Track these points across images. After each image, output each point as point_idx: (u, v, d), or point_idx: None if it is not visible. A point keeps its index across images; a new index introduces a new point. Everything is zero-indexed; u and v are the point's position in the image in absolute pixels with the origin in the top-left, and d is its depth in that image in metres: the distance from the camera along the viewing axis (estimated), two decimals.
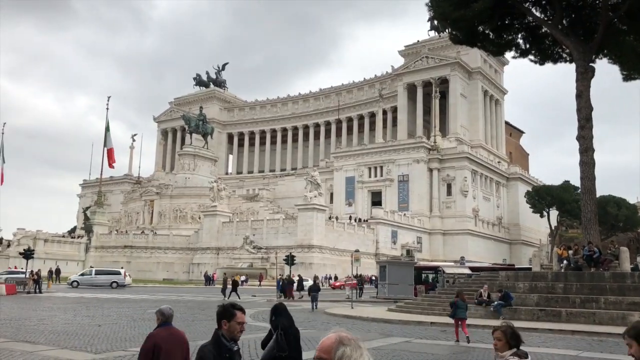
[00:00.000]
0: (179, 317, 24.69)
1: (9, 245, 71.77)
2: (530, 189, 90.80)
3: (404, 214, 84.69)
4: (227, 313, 5.08)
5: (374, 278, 56.10)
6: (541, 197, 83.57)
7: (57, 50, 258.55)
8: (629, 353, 3.70)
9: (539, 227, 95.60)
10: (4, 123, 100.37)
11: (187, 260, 76.62)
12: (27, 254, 42.01)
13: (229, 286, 38.67)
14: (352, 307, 29.87)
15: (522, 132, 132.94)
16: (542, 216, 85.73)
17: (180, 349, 5.91)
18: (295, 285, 40.69)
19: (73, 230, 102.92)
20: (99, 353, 13.87)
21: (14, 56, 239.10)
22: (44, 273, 56.36)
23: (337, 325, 22.68)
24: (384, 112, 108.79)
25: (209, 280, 61.47)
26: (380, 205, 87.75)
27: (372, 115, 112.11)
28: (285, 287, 40.12)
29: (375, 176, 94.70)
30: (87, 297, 37.32)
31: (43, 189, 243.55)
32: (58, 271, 61.33)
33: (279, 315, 7.46)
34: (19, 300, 32.25)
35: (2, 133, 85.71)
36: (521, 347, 4.64)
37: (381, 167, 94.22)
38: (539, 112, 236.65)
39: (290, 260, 40.84)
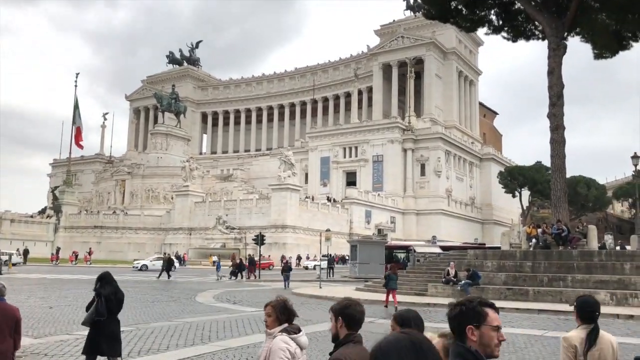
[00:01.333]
0: (140, 297, 24.01)
1: None
2: (502, 170, 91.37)
3: (378, 194, 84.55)
4: (474, 314, 2.79)
5: (347, 257, 55.91)
6: (513, 178, 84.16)
7: (25, 25, 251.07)
8: None
9: (511, 207, 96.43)
10: None
11: (159, 241, 75.52)
12: None
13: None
14: (321, 287, 29.45)
15: (496, 114, 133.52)
16: (514, 196, 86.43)
17: (8, 320, 6.50)
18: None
19: (43, 210, 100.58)
20: (40, 337, 13.10)
21: None
22: (14, 254, 55.02)
23: (302, 305, 22.18)
24: (360, 92, 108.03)
25: (180, 260, 60.55)
26: (355, 185, 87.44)
27: (348, 95, 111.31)
28: (243, 268, 40.17)
29: (350, 156, 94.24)
30: (49, 278, 36.27)
31: (13, 168, 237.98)
32: (26, 252, 59.89)
33: (104, 284, 8.26)
34: None
35: None
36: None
37: (356, 148, 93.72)
38: (513, 93, 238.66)
39: (260, 240, 40.22)
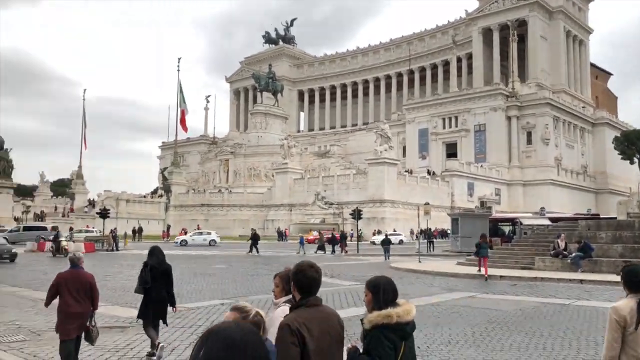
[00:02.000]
0: (241, 271, 24.69)
1: (94, 206, 75.57)
2: (618, 135, 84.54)
3: (481, 165, 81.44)
4: None
5: (447, 231, 54.50)
6: (631, 143, 77.64)
7: (133, 16, 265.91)
8: None
9: (629, 174, 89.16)
10: (85, 89, 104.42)
11: (262, 217, 77.81)
12: (103, 214, 43.73)
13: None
14: (420, 261, 28.79)
15: (609, 74, 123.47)
16: (632, 163, 79.88)
17: (83, 285, 7.67)
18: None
19: (155, 191, 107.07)
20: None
21: (84, 24, 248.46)
22: (129, 232, 59.19)
23: (400, 279, 21.73)
24: (458, 60, 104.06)
25: (281, 235, 62.16)
26: (456, 157, 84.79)
27: (446, 64, 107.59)
28: (336, 242, 40.14)
29: (450, 127, 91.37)
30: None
31: (127, 152, 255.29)
32: (140, 230, 64.07)
33: (151, 255, 9.32)
34: (95, 257, 33.54)
35: (84, 99, 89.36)
36: None
37: (456, 117, 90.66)
38: (629, 51, 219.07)
39: (357, 215, 40.07)
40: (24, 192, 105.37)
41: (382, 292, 3.88)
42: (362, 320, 3.91)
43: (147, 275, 9.10)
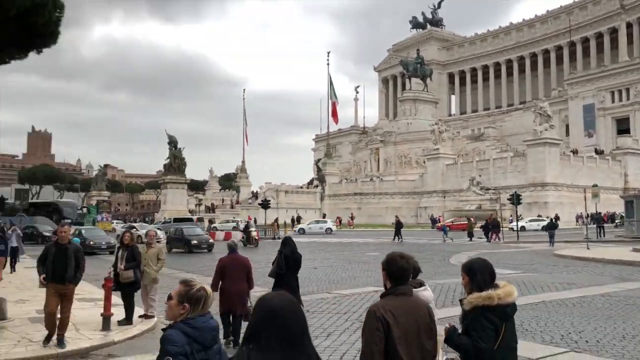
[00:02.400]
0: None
1: (257, 197, 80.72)
2: None
3: None
4: None
5: (618, 215, 49.62)
6: None
7: (277, 16, 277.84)
8: None
9: None
10: (244, 89, 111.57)
11: (414, 204, 77.20)
12: (264, 204, 46.49)
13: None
14: (588, 248, 26.56)
15: None
16: None
17: (241, 268, 8.72)
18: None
19: (311, 181, 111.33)
20: (303, 295, 14.26)
21: (245, 27, 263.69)
22: (288, 221, 62.39)
23: (564, 267, 20.26)
24: (628, 26, 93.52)
25: (435, 223, 61.21)
26: (628, 133, 76.65)
27: (613, 32, 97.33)
28: (489, 229, 38.00)
29: (621, 100, 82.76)
30: (316, 241, 39.92)
31: (284, 146, 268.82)
32: (298, 219, 67.19)
33: (285, 245, 10.58)
34: (260, 245, 35.76)
35: (244, 98, 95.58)
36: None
37: (627, 90, 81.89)
38: None
39: (515, 199, 37.97)
40: (196, 186, 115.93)
41: (478, 274, 3.92)
42: (461, 301, 3.94)
43: (282, 262, 10.14)
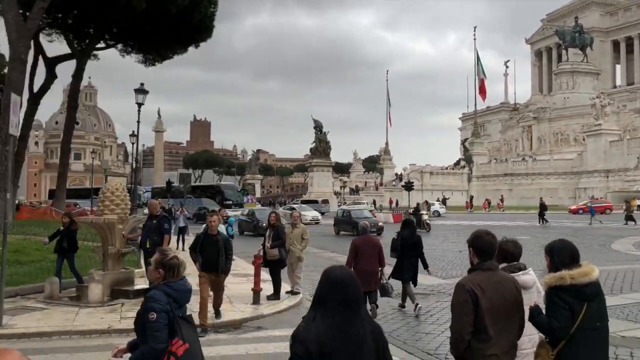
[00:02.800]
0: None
1: (401, 180, 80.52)
2: None
3: None
4: None
5: None
6: None
7: None
8: None
9: None
10: (387, 71, 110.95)
11: (572, 185, 71.81)
12: (408, 186, 46.26)
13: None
14: None
15: None
16: None
17: (373, 248, 9.12)
18: None
19: (457, 162, 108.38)
20: (447, 278, 14.12)
21: (387, 8, 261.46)
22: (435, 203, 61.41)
23: None
24: None
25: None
26: None
27: None
28: None
29: None
30: (463, 224, 38.88)
31: (427, 126, 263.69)
32: (444, 201, 65.82)
33: (405, 227, 10.95)
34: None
35: (387, 80, 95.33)
36: None
37: None
38: None
39: None
40: (341, 169, 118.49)
41: (555, 255, 4.05)
42: None
43: (397, 244, 10.60)
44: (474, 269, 3.85)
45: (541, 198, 42.59)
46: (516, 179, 77.27)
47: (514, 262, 4.50)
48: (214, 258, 8.82)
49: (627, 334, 7.94)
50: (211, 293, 9.14)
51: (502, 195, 68.76)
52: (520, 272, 4.45)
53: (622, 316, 9.28)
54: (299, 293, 11.35)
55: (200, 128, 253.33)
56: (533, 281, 4.57)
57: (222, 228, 10.56)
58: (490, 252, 3.86)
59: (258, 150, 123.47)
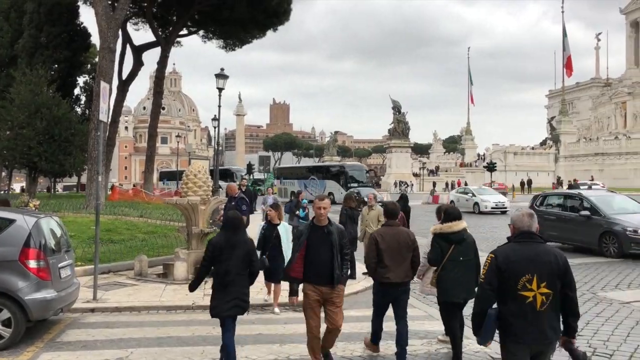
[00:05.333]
0: None
1: (484, 160, 78.17)
2: None
3: None
4: None
5: None
6: None
7: None
8: None
9: None
10: (469, 47, 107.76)
11: None
12: (490, 167, 44.84)
13: None
14: None
15: None
16: None
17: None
18: None
19: (544, 141, 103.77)
20: None
21: None
22: (517, 185, 59.37)
23: None
24: None
25: None
26: None
27: None
28: None
29: None
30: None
31: (510, 103, 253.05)
32: (529, 182, 63.27)
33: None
34: None
35: (468, 57, 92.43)
36: None
37: None
38: None
39: None
40: (420, 150, 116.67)
41: (443, 214, 6.58)
42: None
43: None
44: (383, 225, 6.73)
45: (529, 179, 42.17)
46: (608, 159, 73.03)
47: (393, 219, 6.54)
48: (327, 262, 5.76)
49: None
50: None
51: (592, 176, 65.14)
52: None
53: None
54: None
55: (279, 110, 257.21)
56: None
57: (283, 225, 9.07)
58: (393, 215, 6.53)
59: (336, 132, 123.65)
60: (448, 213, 6.39)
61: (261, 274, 7.84)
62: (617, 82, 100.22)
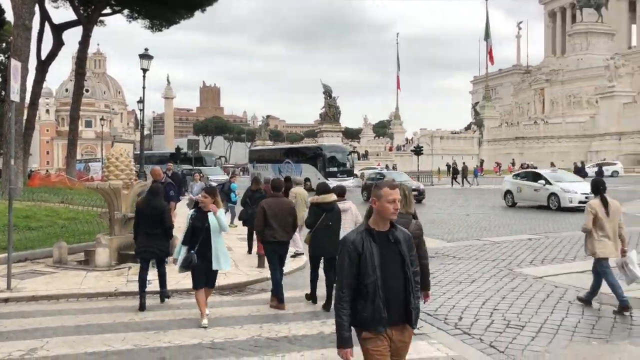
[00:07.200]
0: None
1: (412, 144, 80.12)
2: None
3: None
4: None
5: None
6: None
7: None
8: None
9: None
10: (397, 33, 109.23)
11: (583, 149, 71.04)
12: (417, 151, 46.03)
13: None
14: None
15: None
16: None
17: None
18: None
19: (469, 126, 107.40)
20: (452, 241, 14.13)
21: None
22: (443, 168, 61.28)
23: None
24: None
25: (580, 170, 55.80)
26: None
27: None
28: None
29: None
30: (471, 188, 38.78)
31: (435, 90, 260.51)
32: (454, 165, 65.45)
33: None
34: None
35: (397, 43, 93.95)
36: None
37: None
38: None
39: None
40: (351, 134, 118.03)
41: (319, 190, 7.99)
42: None
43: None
44: (269, 196, 8.53)
45: (454, 162, 44.01)
46: (527, 143, 76.68)
47: (340, 196, 8.36)
48: (399, 289, 3.56)
49: (628, 295, 7.95)
50: None
51: (513, 159, 68.34)
52: (341, 202, 8.28)
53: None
54: (302, 254, 11.44)
55: (209, 94, 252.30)
56: (348, 207, 8.51)
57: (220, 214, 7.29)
58: (277, 188, 8.35)
59: (268, 116, 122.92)
60: (320, 188, 8.00)
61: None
62: (537, 70, 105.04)
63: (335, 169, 38.68)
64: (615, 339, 6.18)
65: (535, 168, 36.83)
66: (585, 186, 20.13)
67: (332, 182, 35.17)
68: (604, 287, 7.47)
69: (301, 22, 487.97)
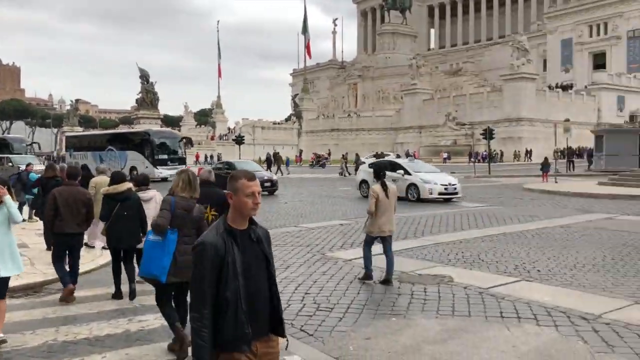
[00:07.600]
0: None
1: (234, 133, 79.98)
2: None
3: (634, 76, 73.08)
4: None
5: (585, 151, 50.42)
6: None
7: None
8: None
9: None
10: (218, 21, 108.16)
11: (391, 140, 77.33)
12: (238, 140, 46.14)
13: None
14: (556, 182, 27.02)
15: None
16: None
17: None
18: None
19: (289, 117, 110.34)
20: (270, 229, 14.27)
21: None
22: (263, 158, 62.00)
23: (530, 201, 20.61)
24: None
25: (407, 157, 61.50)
26: (604, 68, 76.76)
27: None
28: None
29: (598, 35, 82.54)
30: (290, 177, 39.90)
31: (257, 80, 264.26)
32: (275, 155, 66.73)
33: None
34: None
35: (218, 30, 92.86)
36: None
37: (605, 24, 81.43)
38: None
39: (488, 135, 38.19)
40: (171, 122, 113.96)
41: (112, 179, 7.60)
42: None
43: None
44: (64, 184, 8.00)
45: (268, 154, 46.59)
46: (342, 134, 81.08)
47: (143, 185, 7.80)
48: (264, 295, 3.08)
49: (423, 272, 8.73)
50: None
51: (329, 150, 71.74)
52: (143, 191, 7.64)
53: (421, 256, 10.19)
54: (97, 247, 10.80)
55: (7, 73, 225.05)
56: (151, 196, 7.66)
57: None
58: (73, 176, 7.98)
59: (77, 100, 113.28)
60: (114, 177, 7.56)
61: None
62: (350, 66, 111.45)
63: (165, 157, 35.95)
64: (411, 314, 6.71)
65: (384, 157, 37.15)
66: (444, 177, 21.24)
67: (163, 171, 33.41)
68: (402, 266, 8.08)
69: (114, 1, 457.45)
